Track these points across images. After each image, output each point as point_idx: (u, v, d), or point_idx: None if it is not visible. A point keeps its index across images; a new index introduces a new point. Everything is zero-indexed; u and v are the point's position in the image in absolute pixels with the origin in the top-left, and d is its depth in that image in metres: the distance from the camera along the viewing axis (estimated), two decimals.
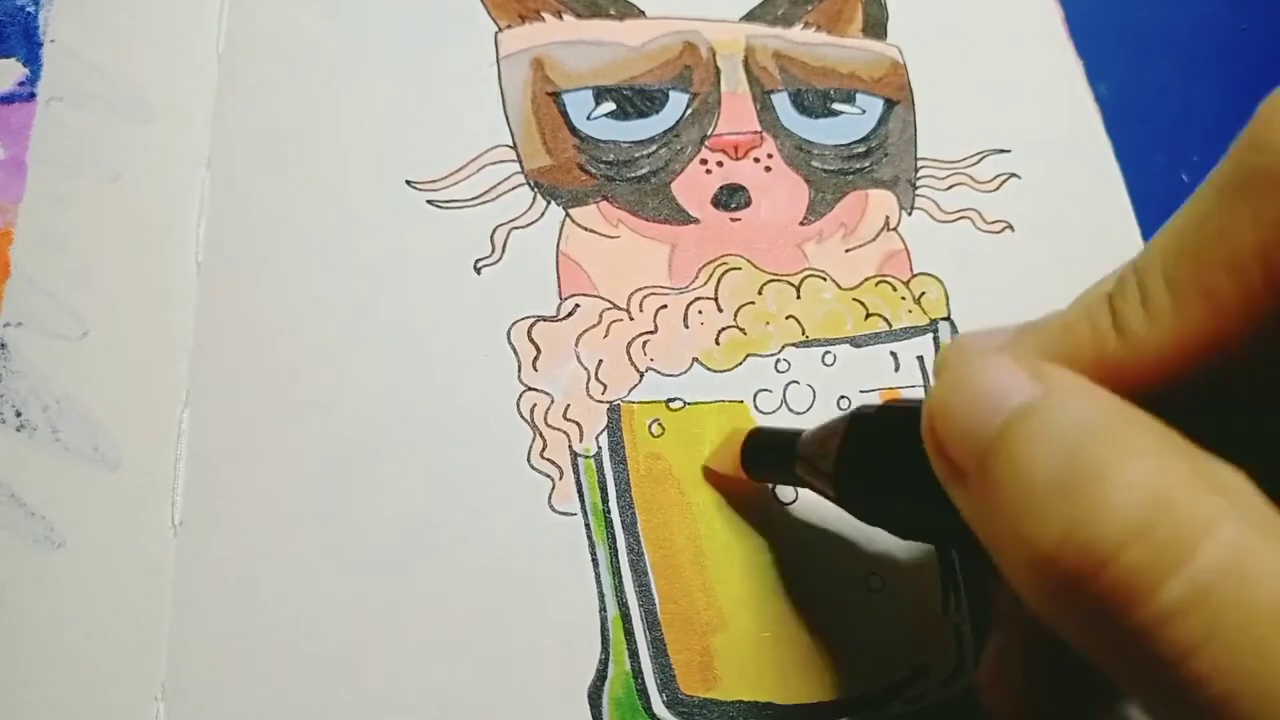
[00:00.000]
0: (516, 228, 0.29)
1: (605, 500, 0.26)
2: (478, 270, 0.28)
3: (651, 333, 0.28)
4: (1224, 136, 0.40)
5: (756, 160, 0.31)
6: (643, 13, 0.32)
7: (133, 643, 0.23)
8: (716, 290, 0.29)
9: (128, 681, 0.23)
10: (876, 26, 0.34)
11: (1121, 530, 0.13)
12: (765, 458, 0.25)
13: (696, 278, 0.29)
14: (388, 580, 0.25)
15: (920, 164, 0.32)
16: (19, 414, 0.25)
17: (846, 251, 0.31)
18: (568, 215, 0.29)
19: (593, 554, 0.26)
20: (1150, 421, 0.15)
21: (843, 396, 0.29)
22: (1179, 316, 0.16)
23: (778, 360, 0.29)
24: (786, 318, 0.29)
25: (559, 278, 0.29)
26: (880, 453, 0.21)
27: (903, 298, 0.30)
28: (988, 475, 0.16)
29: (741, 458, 0.26)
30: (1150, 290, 0.16)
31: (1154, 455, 0.14)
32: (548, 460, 0.27)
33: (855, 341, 0.29)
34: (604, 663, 0.25)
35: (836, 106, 0.32)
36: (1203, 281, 0.16)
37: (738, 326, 0.29)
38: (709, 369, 0.28)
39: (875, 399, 0.29)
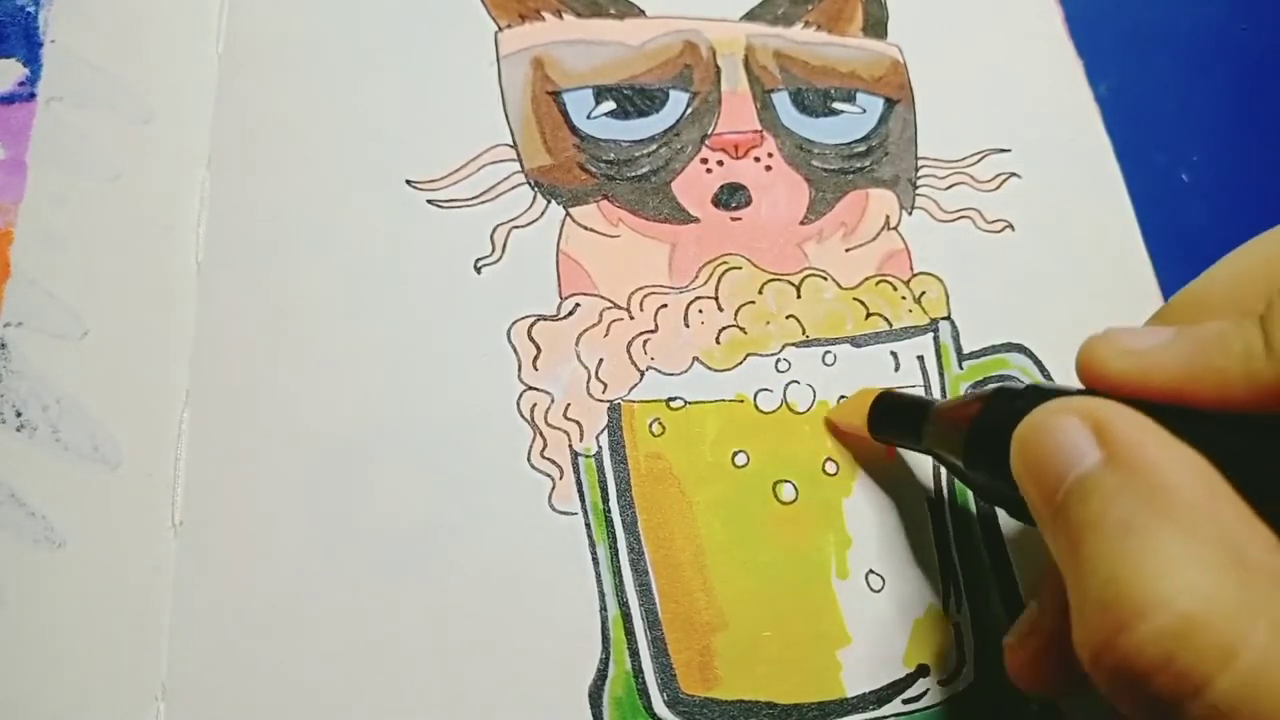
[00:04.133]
0: (516, 227, 0.29)
1: (605, 499, 0.26)
2: (478, 270, 0.28)
3: (652, 332, 0.28)
4: (1224, 136, 0.40)
5: (757, 159, 0.31)
6: (643, 12, 0.32)
7: (133, 643, 0.23)
8: (717, 289, 0.29)
9: (128, 681, 0.23)
10: (877, 26, 0.34)
11: (1150, 659, 0.15)
12: (894, 419, 0.26)
13: (697, 277, 0.29)
14: (388, 580, 0.25)
15: (920, 163, 0.32)
16: (19, 414, 0.25)
17: (847, 251, 0.31)
18: (568, 214, 0.29)
19: (593, 553, 0.26)
20: (1206, 505, 0.16)
21: (843, 396, 0.29)
22: None
23: (778, 360, 0.29)
24: (787, 317, 0.29)
25: (559, 277, 0.29)
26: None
27: (903, 297, 0.30)
28: (1057, 536, 0.17)
29: (869, 416, 0.26)
30: None
31: (1191, 569, 0.15)
32: (548, 459, 0.27)
33: (856, 341, 0.29)
34: (604, 662, 0.25)
35: (837, 106, 0.32)
36: None
37: (738, 326, 0.29)
38: (709, 368, 0.28)
39: None
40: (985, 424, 0.22)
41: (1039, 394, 0.21)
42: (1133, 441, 0.17)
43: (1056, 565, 0.19)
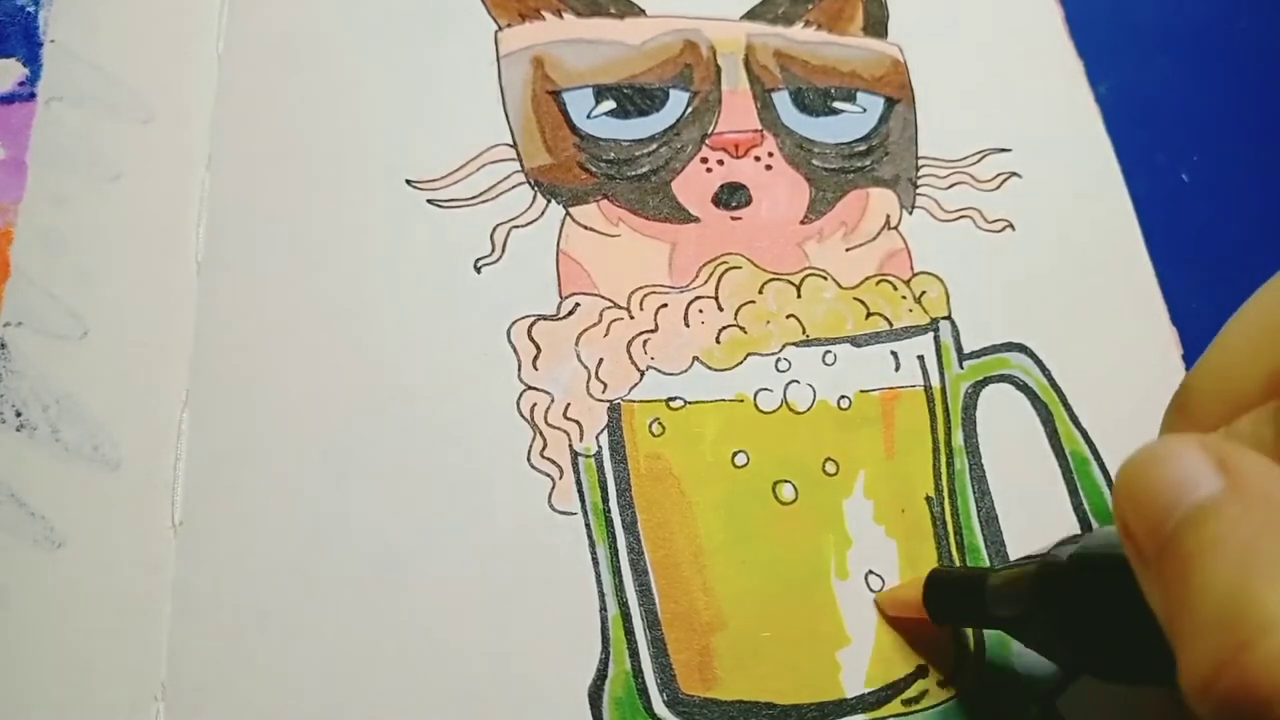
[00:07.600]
0: (516, 226, 0.29)
1: (605, 499, 0.26)
2: (478, 269, 0.28)
3: (652, 331, 0.28)
4: (1224, 136, 0.40)
5: (757, 159, 0.31)
6: (643, 11, 0.32)
7: (133, 643, 0.23)
8: (717, 289, 0.29)
9: (128, 681, 0.23)
10: (877, 25, 0.34)
11: (1270, 688, 0.14)
12: (949, 590, 0.25)
13: (697, 276, 0.29)
14: (387, 580, 0.25)
15: (921, 163, 0.32)
16: (19, 414, 0.25)
17: (847, 250, 0.31)
18: (568, 214, 0.29)
19: (593, 553, 0.26)
20: None
21: (843, 396, 0.29)
22: None
23: (778, 359, 0.29)
24: (787, 317, 0.29)
25: (559, 276, 0.29)
26: (1074, 604, 0.21)
27: (903, 297, 0.30)
28: (1163, 570, 0.16)
29: (924, 600, 0.25)
30: None
31: None
32: (548, 459, 0.27)
33: (856, 341, 0.29)
34: (604, 662, 0.25)
35: (837, 105, 0.32)
36: None
37: (738, 325, 0.29)
38: (709, 368, 0.28)
39: (875, 400, 0.29)
40: (1057, 556, 0.21)
41: (1091, 560, 0.20)
42: (1257, 470, 0.16)
43: None
